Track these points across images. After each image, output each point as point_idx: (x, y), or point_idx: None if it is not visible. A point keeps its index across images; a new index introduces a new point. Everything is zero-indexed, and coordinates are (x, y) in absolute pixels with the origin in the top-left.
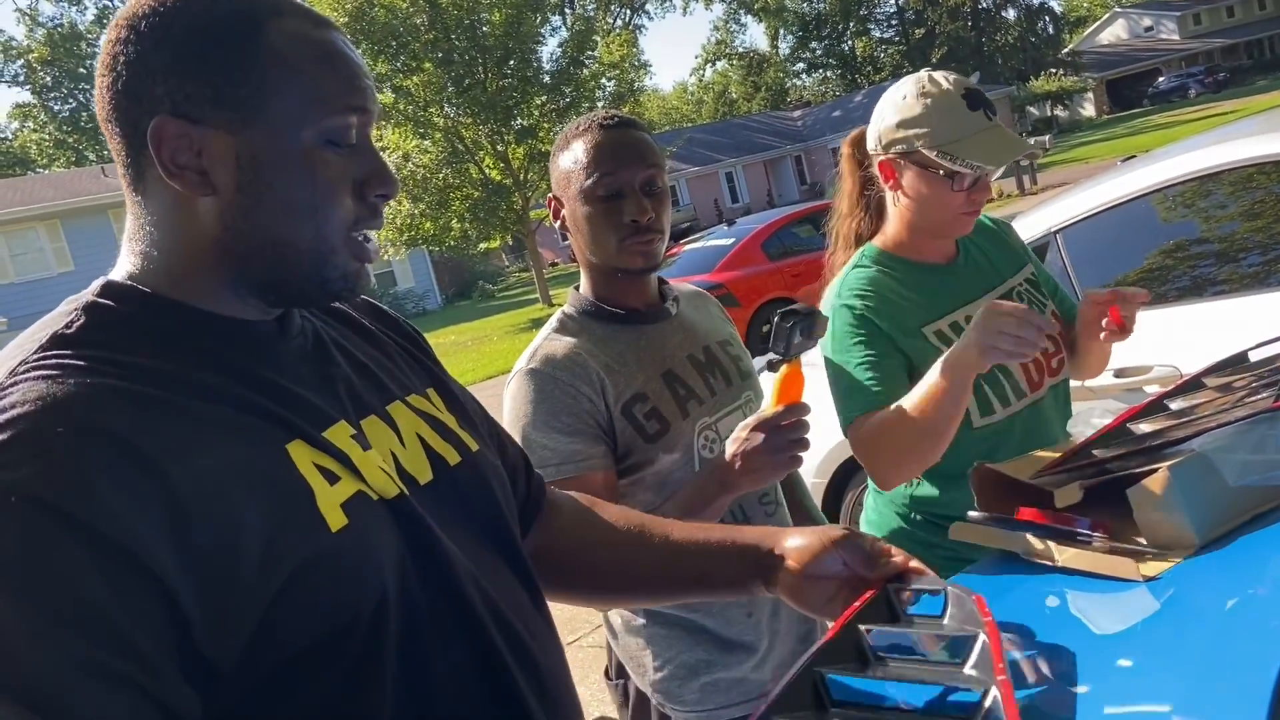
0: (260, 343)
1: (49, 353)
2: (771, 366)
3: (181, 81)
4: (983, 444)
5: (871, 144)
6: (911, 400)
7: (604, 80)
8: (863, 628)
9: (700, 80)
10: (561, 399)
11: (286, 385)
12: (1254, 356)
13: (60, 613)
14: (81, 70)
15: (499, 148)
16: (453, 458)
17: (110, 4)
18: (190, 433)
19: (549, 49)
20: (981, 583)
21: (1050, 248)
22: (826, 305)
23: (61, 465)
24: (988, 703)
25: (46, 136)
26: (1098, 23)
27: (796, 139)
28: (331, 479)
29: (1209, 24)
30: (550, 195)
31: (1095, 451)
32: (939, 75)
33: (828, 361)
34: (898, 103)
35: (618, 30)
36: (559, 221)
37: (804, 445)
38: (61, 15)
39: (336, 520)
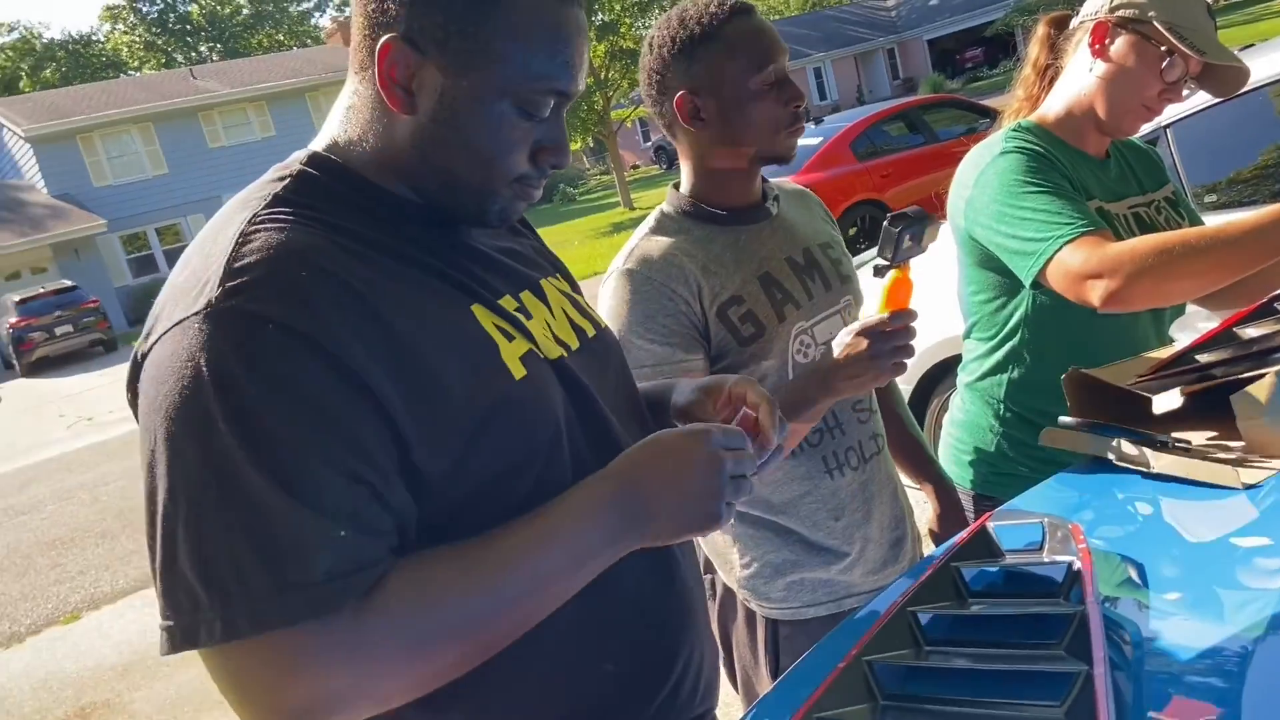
0: (435, 224)
1: (275, 209)
2: (878, 272)
3: (420, 15)
4: (1098, 324)
5: (1094, 7)
6: (1227, 226)
7: None
8: (958, 565)
9: None
10: (657, 300)
11: (459, 259)
12: None
13: (313, 420)
14: None
15: None
16: (590, 330)
17: None
18: (396, 286)
19: None
20: (1073, 492)
21: (1160, 143)
22: (975, 165)
23: (307, 301)
24: (1075, 628)
25: (137, 39)
26: None
27: (890, 30)
28: (509, 336)
29: None
30: (682, 93)
31: (1199, 357)
32: None
33: (995, 210)
34: None
35: None
36: (687, 120)
37: (909, 352)
38: None
39: (518, 370)
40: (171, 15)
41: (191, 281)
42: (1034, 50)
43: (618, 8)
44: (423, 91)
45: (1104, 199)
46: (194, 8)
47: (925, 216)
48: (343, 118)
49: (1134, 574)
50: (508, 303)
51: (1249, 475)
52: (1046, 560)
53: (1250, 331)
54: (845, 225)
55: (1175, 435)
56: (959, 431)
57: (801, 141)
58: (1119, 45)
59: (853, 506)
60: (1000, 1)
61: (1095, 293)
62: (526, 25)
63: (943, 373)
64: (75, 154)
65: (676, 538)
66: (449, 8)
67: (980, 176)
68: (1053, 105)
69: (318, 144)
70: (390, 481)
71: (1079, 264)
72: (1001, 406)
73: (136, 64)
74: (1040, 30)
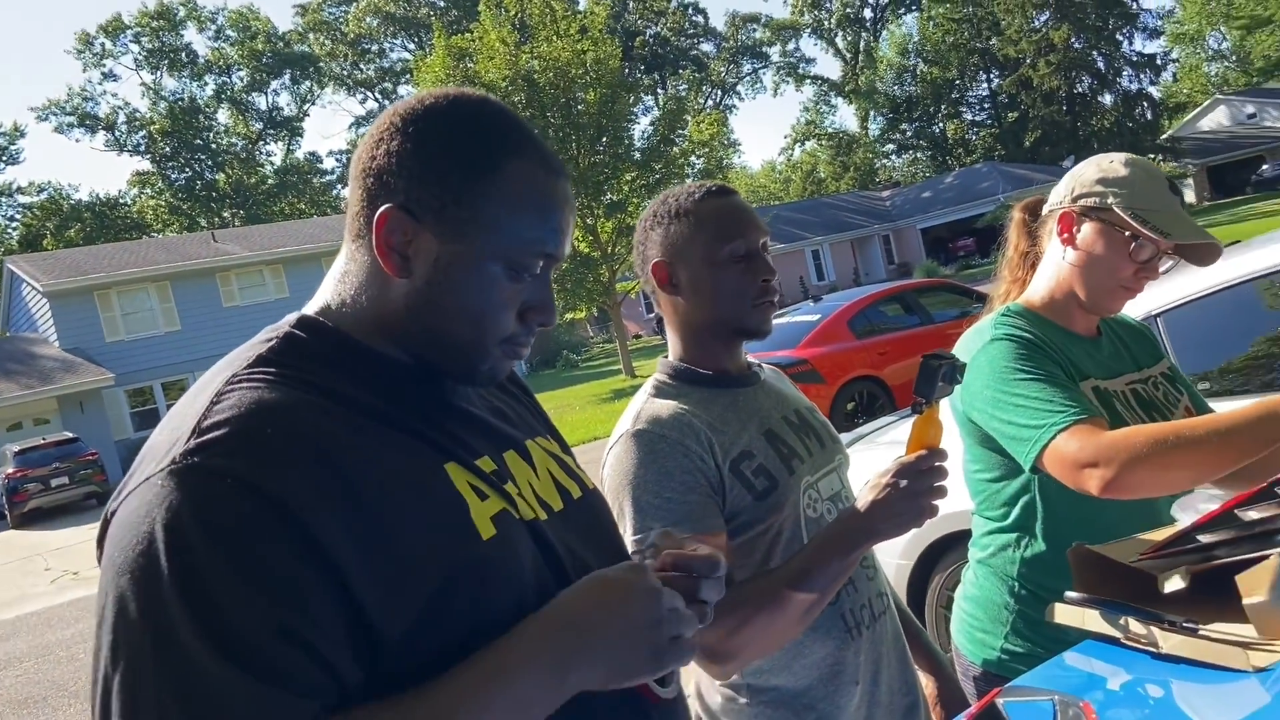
0: (420, 382)
1: (255, 369)
2: (916, 409)
3: (419, 186)
4: (1106, 500)
5: (1059, 196)
6: (1220, 416)
7: (693, 158)
8: None
9: (789, 160)
10: (673, 457)
11: (441, 418)
12: None
13: (258, 580)
14: (198, 142)
15: (588, 221)
16: (576, 491)
17: (229, 81)
18: (366, 445)
19: (641, 127)
20: (1082, 671)
21: (1151, 331)
22: (967, 351)
23: (270, 459)
24: None
25: (163, 203)
26: (1198, 109)
27: (885, 219)
28: (482, 496)
29: None
30: (659, 260)
31: (1200, 537)
32: (1149, 164)
33: (989, 396)
34: (1101, 164)
35: (708, 110)
36: (664, 287)
37: (943, 492)
38: (183, 90)
39: (487, 530)
40: (199, 182)
41: (165, 440)
42: (1013, 235)
43: (626, 189)
44: (418, 257)
45: (1099, 377)
46: (221, 176)
47: (957, 359)
48: (336, 282)
49: None
50: (485, 463)
51: (1259, 658)
52: None
53: (1251, 514)
54: (843, 400)
55: (1183, 615)
56: (972, 607)
57: (801, 318)
58: (1086, 233)
59: (866, 670)
60: (989, 196)
61: (1092, 482)
62: (518, 195)
63: (944, 548)
64: (91, 310)
65: (624, 676)
66: (445, 180)
67: (973, 362)
68: (1037, 289)
69: (310, 308)
70: (333, 641)
71: (1074, 453)
72: (1016, 584)
73: (160, 227)
74: (1016, 216)
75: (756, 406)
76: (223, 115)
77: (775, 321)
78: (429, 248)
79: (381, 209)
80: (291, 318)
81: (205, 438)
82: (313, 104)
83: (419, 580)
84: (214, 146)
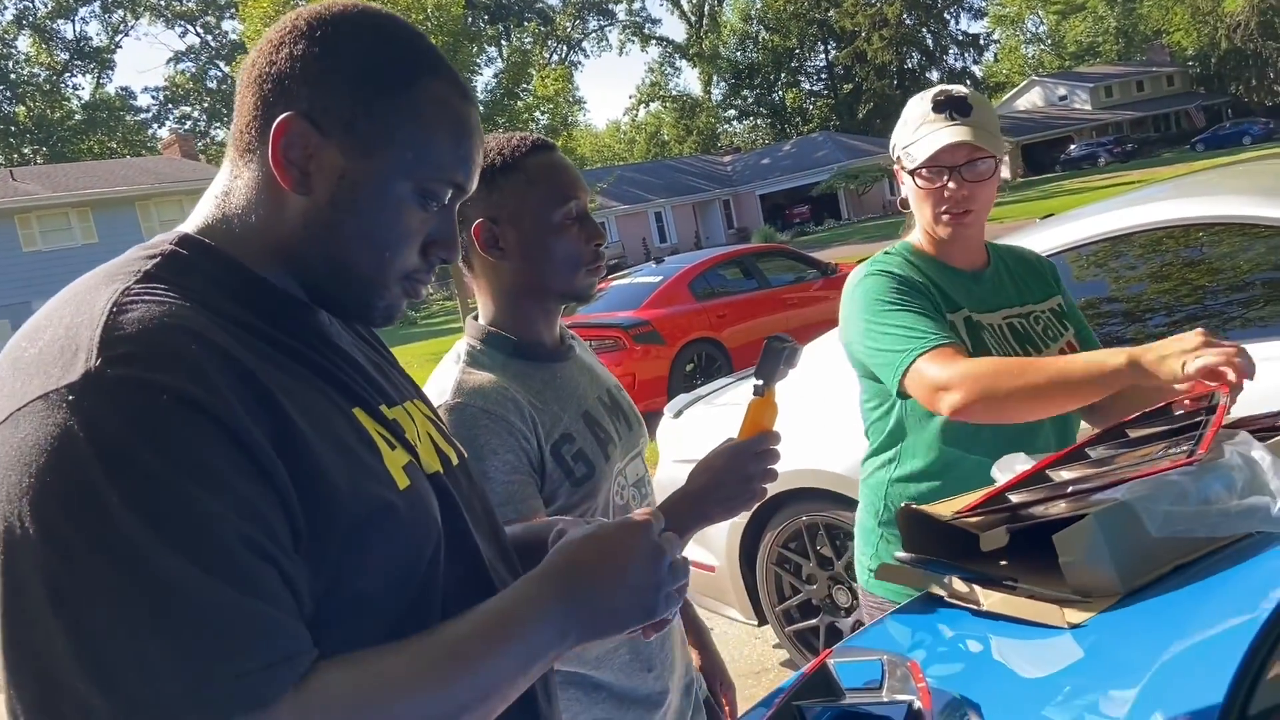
0: (310, 319)
1: (149, 285)
2: (757, 391)
3: (326, 96)
4: (963, 428)
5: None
6: (1062, 361)
7: (538, 113)
8: (799, 704)
9: (633, 120)
10: (497, 433)
11: (338, 360)
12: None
13: (221, 493)
14: None
15: None
16: (454, 458)
17: (31, 6)
18: (278, 375)
19: (484, 79)
20: (908, 629)
21: (1049, 267)
22: (850, 286)
23: (199, 377)
24: None
25: None
26: (1015, 89)
27: (726, 183)
28: (390, 445)
29: (1120, 96)
30: (482, 220)
31: (1012, 496)
32: (935, 89)
33: (861, 327)
34: (904, 113)
35: (554, 65)
36: (487, 249)
37: (774, 476)
38: None
39: (401, 480)
40: None
41: (51, 354)
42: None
43: None
44: (320, 173)
45: (974, 309)
46: (21, 109)
47: (798, 345)
48: (218, 201)
49: (971, 714)
50: (385, 411)
51: (1073, 615)
52: (886, 700)
53: (1064, 474)
54: (682, 361)
55: (1003, 573)
56: (858, 535)
57: (642, 279)
58: (905, 182)
59: (661, 655)
60: (824, 165)
61: (944, 403)
62: (433, 114)
63: (775, 507)
64: None
65: (617, 632)
66: (357, 91)
67: (849, 296)
68: (915, 231)
69: (187, 226)
70: (297, 566)
71: (932, 376)
72: (881, 505)
73: None
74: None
75: (574, 386)
76: (23, 43)
77: (618, 282)
78: (333, 163)
79: (281, 117)
80: (171, 235)
81: (120, 350)
82: (126, 35)
83: (341, 523)
84: (13, 77)
